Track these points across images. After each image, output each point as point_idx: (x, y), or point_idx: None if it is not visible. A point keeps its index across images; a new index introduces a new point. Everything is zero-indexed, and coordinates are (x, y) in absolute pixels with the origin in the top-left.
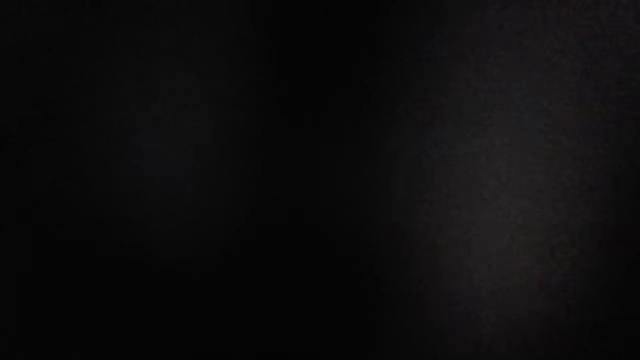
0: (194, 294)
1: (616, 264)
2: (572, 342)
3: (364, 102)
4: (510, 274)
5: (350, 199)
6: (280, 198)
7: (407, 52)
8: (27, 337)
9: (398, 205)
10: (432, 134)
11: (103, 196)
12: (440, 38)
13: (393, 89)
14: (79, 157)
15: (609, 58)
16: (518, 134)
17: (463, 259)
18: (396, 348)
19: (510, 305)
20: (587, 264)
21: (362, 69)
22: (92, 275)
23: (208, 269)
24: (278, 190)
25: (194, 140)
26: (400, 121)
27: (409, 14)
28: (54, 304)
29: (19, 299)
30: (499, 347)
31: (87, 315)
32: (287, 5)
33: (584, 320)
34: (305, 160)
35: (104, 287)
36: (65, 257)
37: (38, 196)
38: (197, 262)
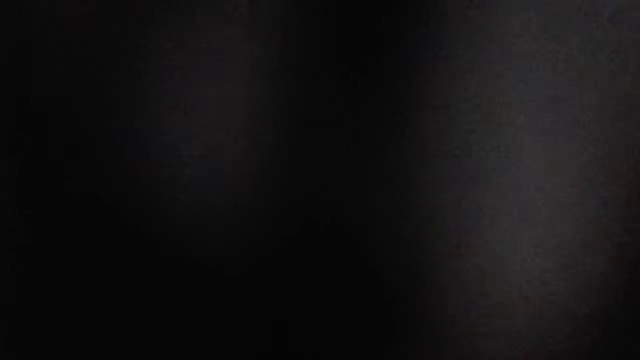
0: (200, 292)
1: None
2: (585, 342)
3: (374, 103)
4: (519, 275)
5: (365, 198)
6: (292, 199)
7: (413, 52)
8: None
9: (407, 206)
10: (437, 134)
11: (129, 194)
12: (445, 40)
13: (404, 88)
14: (105, 155)
15: (610, 55)
16: (526, 133)
17: (470, 259)
18: (403, 347)
19: (518, 306)
20: (598, 267)
21: (370, 69)
22: (118, 272)
23: (216, 268)
24: (289, 190)
25: (207, 140)
26: (409, 121)
27: (413, 14)
28: (71, 303)
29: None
30: (506, 346)
31: (105, 314)
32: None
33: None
34: (314, 161)
35: (126, 284)
36: (87, 253)
37: (66, 194)
38: (204, 261)
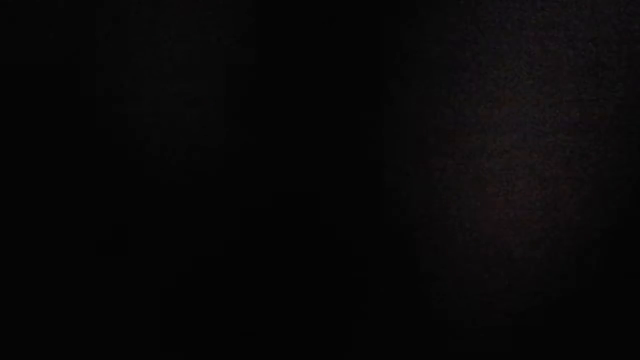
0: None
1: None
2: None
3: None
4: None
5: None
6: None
7: (410, 49)
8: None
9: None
10: (434, 133)
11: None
12: (442, 38)
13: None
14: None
15: (609, 54)
16: (520, 131)
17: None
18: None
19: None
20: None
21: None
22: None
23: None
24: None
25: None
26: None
27: (412, 11)
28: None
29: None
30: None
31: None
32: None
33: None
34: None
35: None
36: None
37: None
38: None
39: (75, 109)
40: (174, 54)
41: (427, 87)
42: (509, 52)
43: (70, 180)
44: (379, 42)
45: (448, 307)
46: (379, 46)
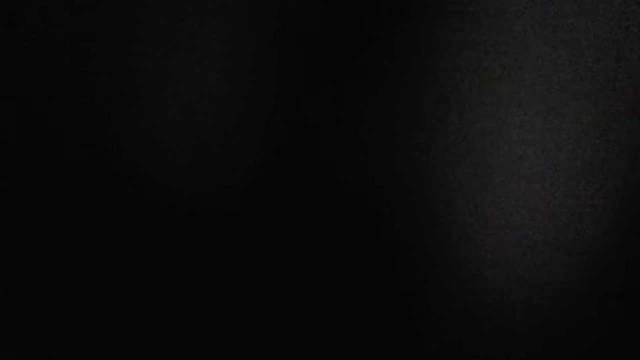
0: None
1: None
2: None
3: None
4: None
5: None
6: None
7: (413, 51)
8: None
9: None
10: (438, 133)
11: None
12: (444, 39)
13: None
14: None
15: (609, 55)
16: (523, 132)
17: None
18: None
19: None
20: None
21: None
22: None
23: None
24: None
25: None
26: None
27: (414, 13)
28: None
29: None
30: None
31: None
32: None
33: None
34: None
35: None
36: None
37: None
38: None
39: (84, 117)
40: (193, 56)
41: (429, 88)
42: (512, 53)
43: (74, 182)
44: (382, 43)
45: (446, 307)
46: (380, 47)
